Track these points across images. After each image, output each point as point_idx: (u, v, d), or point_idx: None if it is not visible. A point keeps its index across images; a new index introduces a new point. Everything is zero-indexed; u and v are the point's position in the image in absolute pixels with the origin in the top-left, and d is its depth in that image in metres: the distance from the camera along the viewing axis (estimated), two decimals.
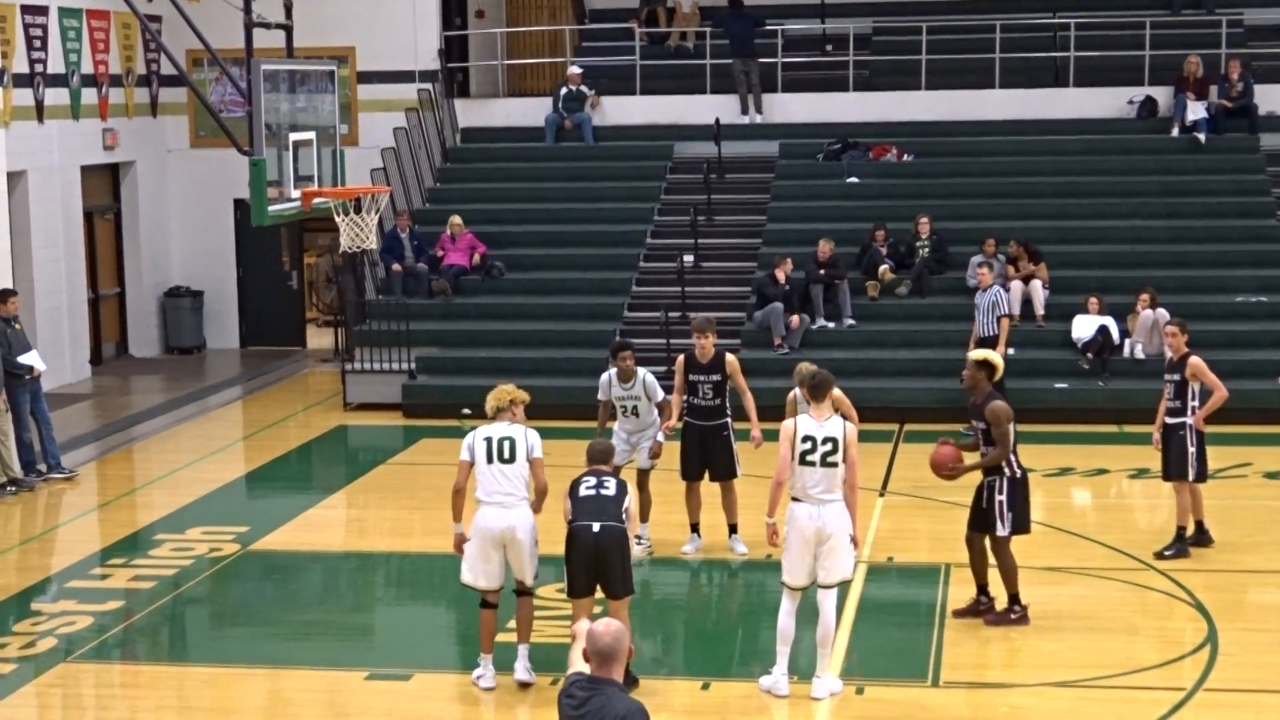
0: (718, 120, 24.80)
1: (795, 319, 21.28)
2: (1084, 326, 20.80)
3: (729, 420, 14.54)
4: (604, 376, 14.63)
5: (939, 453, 12.77)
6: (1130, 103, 24.89)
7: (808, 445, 11.17)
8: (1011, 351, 19.99)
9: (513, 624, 11.63)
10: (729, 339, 19.80)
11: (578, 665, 6.83)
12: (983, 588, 12.87)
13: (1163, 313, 19.50)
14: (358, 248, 17.63)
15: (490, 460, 11.39)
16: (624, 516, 11.14)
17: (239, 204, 25.49)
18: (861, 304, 22.02)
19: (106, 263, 25.45)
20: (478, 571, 11.44)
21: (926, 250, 22.42)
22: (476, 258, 23.37)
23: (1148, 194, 23.73)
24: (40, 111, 22.77)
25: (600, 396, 14.61)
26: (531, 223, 24.37)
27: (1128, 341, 20.67)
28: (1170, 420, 14.39)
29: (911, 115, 25.25)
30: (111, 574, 14.67)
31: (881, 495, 16.74)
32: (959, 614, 12.90)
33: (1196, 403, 14.29)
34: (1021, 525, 12.60)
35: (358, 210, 17.36)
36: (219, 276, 26.54)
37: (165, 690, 11.89)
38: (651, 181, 24.93)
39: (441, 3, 26.29)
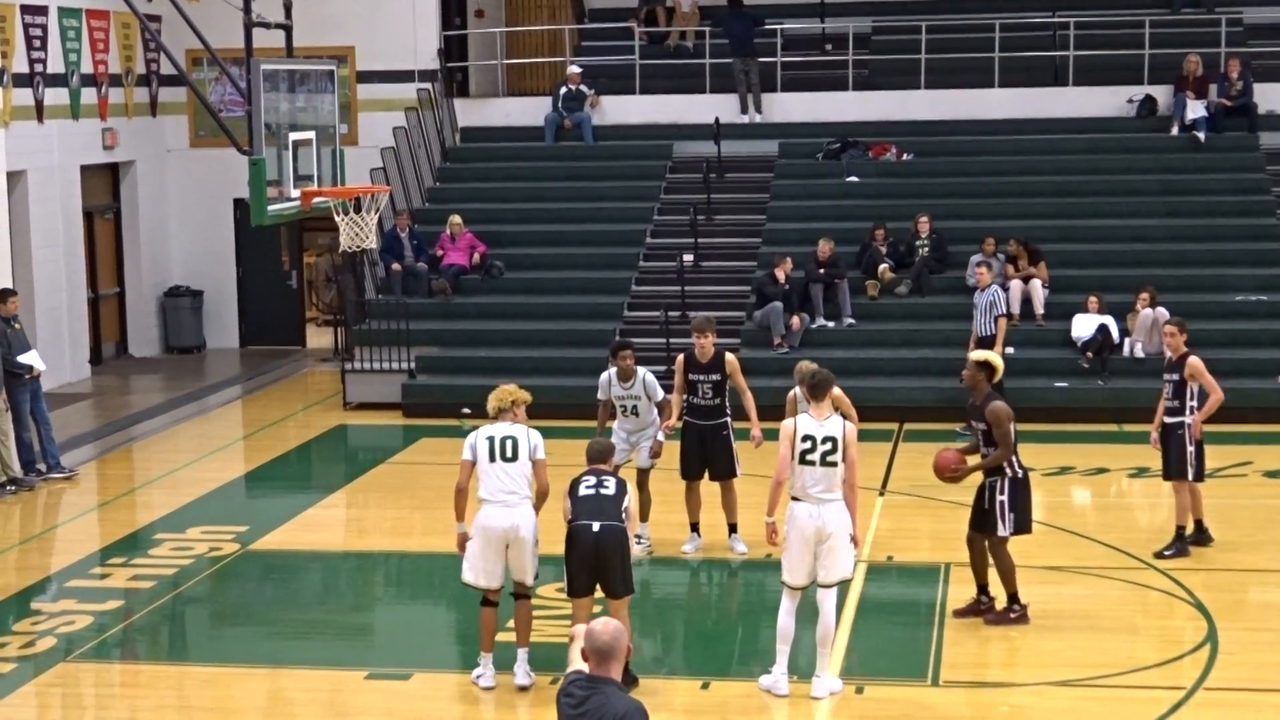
0: (717, 120, 24.79)
1: (795, 318, 21.28)
2: (1084, 325, 20.80)
3: (729, 420, 14.54)
4: (604, 376, 14.63)
5: (941, 457, 12.76)
6: (1130, 101, 24.89)
7: (807, 444, 11.17)
8: (1011, 350, 20.00)
9: (512, 624, 11.63)
10: (729, 338, 19.81)
11: (577, 664, 6.83)
12: (983, 588, 12.87)
13: (1163, 311, 19.50)
14: (357, 247, 17.62)
15: (493, 459, 11.39)
16: (624, 516, 11.13)
17: (239, 203, 25.49)
18: (861, 303, 22.02)
19: (106, 262, 25.45)
20: (479, 570, 11.43)
21: (926, 249, 22.42)
22: (476, 257, 23.37)
23: (1147, 193, 23.73)
24: (40, 111, 22.77)
25: (600, 396, 14.61)
26: (531, 222, 24.37)
27: (1128, 340, 20.67)
28: (1169, 420, 14.38)
29: (911, 114, 25.25)
30: (111, 573, 14.67)
31: (881, 494, 16.74)
32: (959, 614, 12.90)
33: (1195, 402, 14.27)
34: (1023, 526, 12.59)
35: (357, 210, 17.35)
36: (219, 276, 26.54)
37: (165, 690, 11.89)
38: (651, 181, 24.93)
39: (441, 2, 26.29)
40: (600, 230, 24.10)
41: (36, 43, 22.64)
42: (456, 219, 23.51)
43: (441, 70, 25.89)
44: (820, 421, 11.26)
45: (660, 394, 14.51)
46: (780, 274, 21.54)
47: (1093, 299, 20.90)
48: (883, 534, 15.30)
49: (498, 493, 11.33)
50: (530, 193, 24.97)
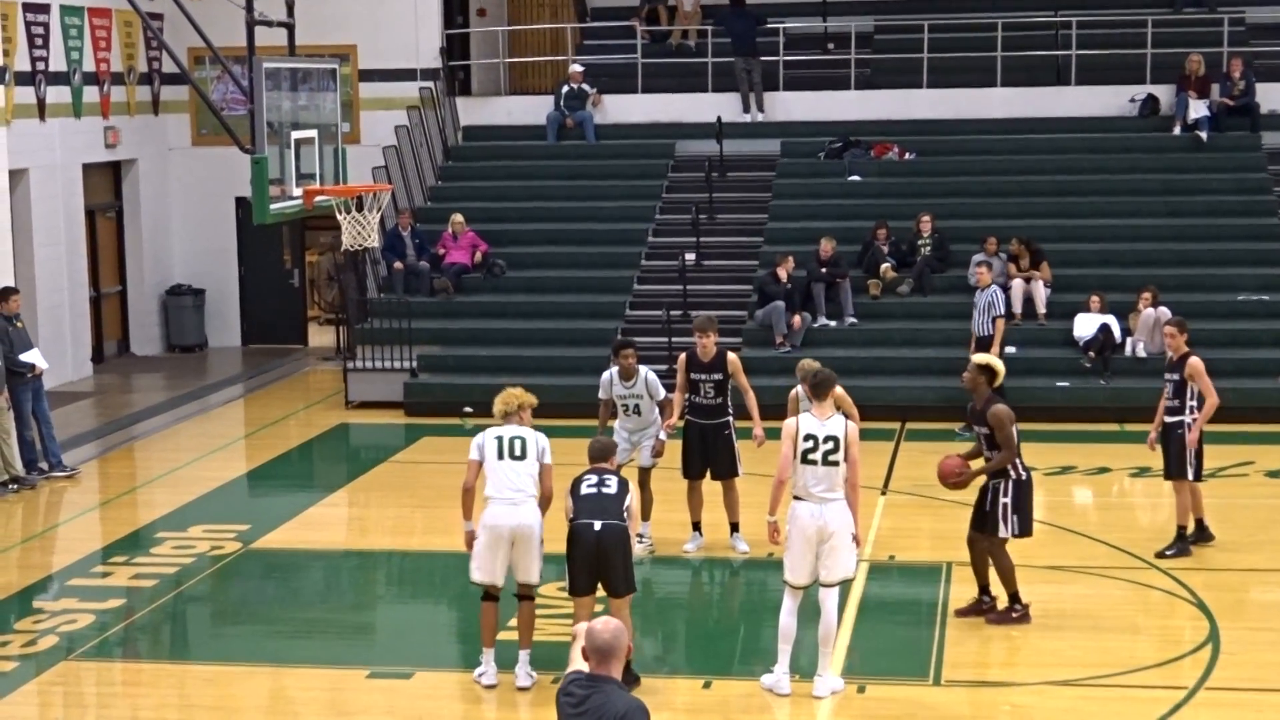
0: (719, 118, 24.78)
1: (797, 317, 21.28)
2: (1085, 325, 20.80)
3: (730, 419, 14.53)
4: (605, 375, 14.63)
5: (944, 464, 12.74)
6: (1132, 101, 24.89)
7: (809, 444, 11.17)
8: (1012, 350, 20.01)
9: (513, 623, 11.63)
10: (731, 337, 19.82)
11: (577, 664, 6.83)
12: (984, 588, 12.86)
13: (1164, 311, 19.48)
14: (359, 246, 17.63)
15: (501, 456, 11.40)
16: (625, 515, 11.13)
17: (241, 202, 25.49)
18: (863, 302, 22.01)
19: (108, 261, 25.46)
20: (486, 569, 11.44)
21: (928, 249, 22.42)
22: (478, 256, 23.37)
23: (1149, 192, 23.73)
24: (42, 109, 22.78)
25: (601, 395, 14.61)
26: (533, 221, 24.37)
27: (1129, 340, 20.66)
28: (1169, 419, 14.38)
29: (913, 114, 25.26)
30: (113, 572, 14.67)
31: (883, 494, 16.73)
32: (961, 613, 12.89)
33: (1195, 402, 14.26)
34: (1025, 528, 12.58)
35: (359, 208, 17.36)
36: (221, 275, 26.55)
37: (167, 688, 11.89)
38: (653, 180, 24.93)
39: (443, 1, 26.30)
40: (602, 229, 24.10)
41: (39, 41, 22.65)
42: (458, 218, 23.51)
43: (443, 69, 25.89)
44: (822, 421, 11.26)
45: (662, 393, 14.52)
46: (782, 273, 21.54)
47: (1094, 298, 20.89)
48: (884, 533, 15.30)
49: (504, 490, 11.33)
50: (532, 191, 24.98)
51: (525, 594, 11.53)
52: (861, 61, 25.95)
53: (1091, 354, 20.56)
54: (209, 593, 14.23)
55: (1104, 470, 17.86)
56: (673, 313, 21.39)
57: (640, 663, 11.62)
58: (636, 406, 14.45)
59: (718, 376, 14.40)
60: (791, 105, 25.67)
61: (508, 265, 23.42)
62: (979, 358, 12.92)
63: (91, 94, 24.02)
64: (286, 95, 16.49)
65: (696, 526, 14.80)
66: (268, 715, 11.49)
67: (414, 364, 21.84)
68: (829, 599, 11.28)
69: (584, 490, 11.20)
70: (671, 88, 26.02)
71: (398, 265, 23.17)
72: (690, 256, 22.91)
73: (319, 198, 16.70)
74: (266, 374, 24.59)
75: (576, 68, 25.89)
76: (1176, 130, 24.31)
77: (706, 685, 11.65)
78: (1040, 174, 24.16)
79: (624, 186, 24.86)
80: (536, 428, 11.67)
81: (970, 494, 12.92)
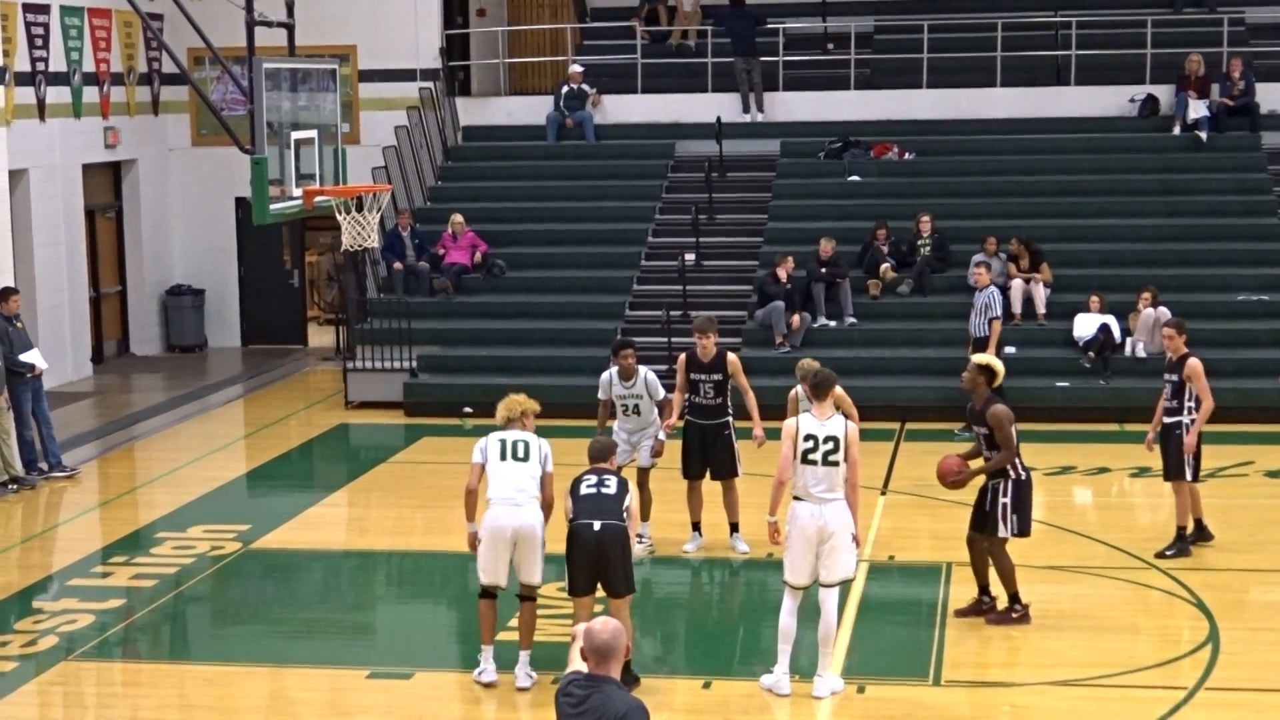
0: (719, 119, 24.79)
1: (796, 318, 21.28)
2: (1085, 325, 20.80)
3: (730, 419, 14.54)
4: (605, 375, 14.63)
5: (943, 463, 12.74)
6: (1132, 101, 24.90)
7: (809, 444, 11.17)
8: (1012, 350, 20.02)
9: (514, 623, 11.63)
10: (730, 338, 19.82)
11: (577, 664, 6.83)
12: (984, 588, 12.86)
13: (1164, 311, 19.48)
14: (359, 246, 17.63)
15: (504, 458, 11.40)
16: (625, 515, 11.14)
17: (240, 202, 25.49)
18: (863, 302, 22.02)
19: (108, 261, 25.45)
20: (489, 570, 11.43)
21: (928, 249, 22.42)
22: (478, 256, 23.37)
23: (1149, 192, 23.73)
24: (42, 110, 22.78)
25: (601, 395, 14.61)
26: (533, 221, 24.38)
27: (1129, 340, 20.66)
28: (1168, 420, 14.37)
29: (913, 114, 25.26)
30: (113, 572, 14.67)
31: (883, 494, 16.73)
32: (961, 614, 12.89)
33: (1193, 403, 14.25)
34: (1024, 528, 12.58)
35: (359, 209, 17.36)
36: (220, 275, 26.55)
37: (167, 689, 11.88)
38: (653, 180, 24.93)
39: (443, 1, 26.30)
40: (602, 229, 24.10)
41: (39, 41, 22.65)
42: (458, 218, 23.51)
43: (443, 69, 25.89)
44: (822, 421, 11.27)
45: (661, 393, 14.52)
46: (782, 273, 21.54)
47: (1094, 298, 20.89)
48: (884, 533, 15.30)
49: (507, 491, 11.33)
50: (532, 192, 24.98)
51: (527, 594, 11.53)
52: (861, 62, 25.96)
53: (1091, 354, 20.56)
54: (209, 593, 14.23)
55: (1104, 470, 17.86)
56: (672, 313, 21.39)
57: (640, 663, 11.63)
58: (636, 407, 14.45)
59: (717, 377, 14.40)
60: (791, 105, 25.67)
61: (507, 265, 23.42)
62: (978, 358, 12.93)
63: (91, 94, 24.02)
64: (286, 95, 16.49)
65: (696, 527, 14.80)
66: (268, 715, 11.49)
67: (414, 364, 21.84)
68: (829, 599, 11.28)
69: (583, 490, 11.20)
70: (671, 88, 26.03)
71: (397, 265, 23.18)
72: (690, 257, 22.92)
73: (319, 198, 16.70)
74: (266, 374, 24.58)
75: (576, 68, 25.89)
76: (1176, 130, 24.32)
77: (706, 685, 11.65)
78: (1040, 174, 24.16)
79: (624, 187, 24.86)
80: (538, 431, 11.68)
81: (970, 494, 12.92)
